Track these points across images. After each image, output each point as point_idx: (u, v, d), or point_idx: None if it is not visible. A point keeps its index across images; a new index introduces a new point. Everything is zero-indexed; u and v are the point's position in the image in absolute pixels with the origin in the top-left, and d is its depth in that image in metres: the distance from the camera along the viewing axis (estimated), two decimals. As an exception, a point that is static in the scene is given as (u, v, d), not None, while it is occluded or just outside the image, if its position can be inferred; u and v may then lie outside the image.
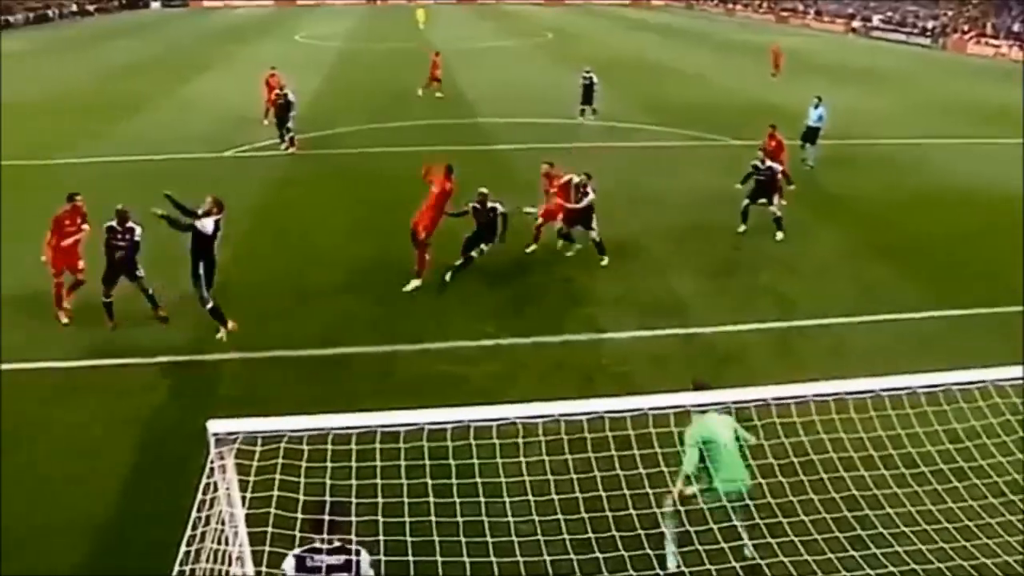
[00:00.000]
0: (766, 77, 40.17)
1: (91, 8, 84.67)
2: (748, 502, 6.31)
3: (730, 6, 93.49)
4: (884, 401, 5.70)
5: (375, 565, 5.18)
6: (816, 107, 22.75)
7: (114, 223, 12.37)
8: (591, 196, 15.37)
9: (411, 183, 20.82)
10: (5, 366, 11.24)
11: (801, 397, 5.48)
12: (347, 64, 45.20)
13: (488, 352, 12.13)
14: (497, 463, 5.46)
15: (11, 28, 68.77)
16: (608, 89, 29.93)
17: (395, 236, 16.91)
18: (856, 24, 71.94)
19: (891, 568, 5.58)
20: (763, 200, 16.94)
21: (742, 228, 17.02)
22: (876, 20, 71.25)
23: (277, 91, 24.97)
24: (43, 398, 10.62)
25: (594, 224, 15.60)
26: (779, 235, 16.68)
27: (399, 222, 17.83)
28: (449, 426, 4.82)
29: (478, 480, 5.37)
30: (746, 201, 17.03)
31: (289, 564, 5.11)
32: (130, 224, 12.38)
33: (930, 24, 65.01)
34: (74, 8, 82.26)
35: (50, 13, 77.38)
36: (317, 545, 5.10)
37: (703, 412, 6.57)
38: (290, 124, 24.48)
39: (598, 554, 5.23)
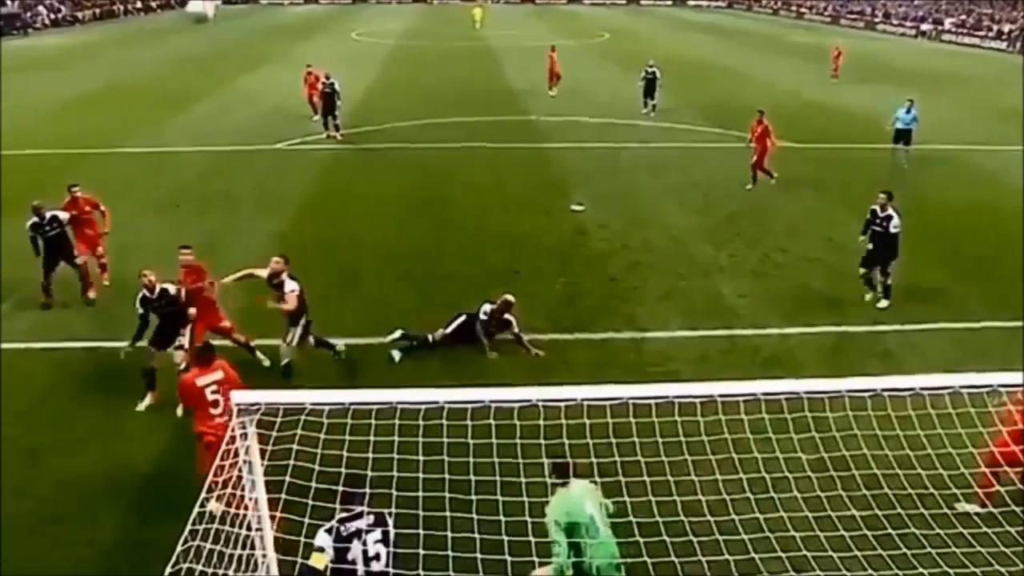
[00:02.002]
0: (827, 80, 39.46)
1: (154, 4, 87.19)
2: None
3: (792, 8, 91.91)
4: (924, 400, 5.55)
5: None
6: (908, 110, 22.56)
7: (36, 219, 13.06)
8: (293, 288, 10.90)
9: (460, 180, 21.23)
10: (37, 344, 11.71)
11: (836, 392, 5.37)
12: (401, 61, 45.71)
13: (530, 345, 12.15)
14: (516, 444, 5.47)
15: (80, 23, 71.25)
16: (664, 90, 29.80)
17: (439, 231, 17.21)
18: (926, 27, 70.11)
19: (920, 569, 5.44)
20: (880, 262, 13.55)
21: (869, 296, 13.79)
22: (948, 24, 69.31)
23: (323, 80, 25.58)
24: (77, 377, 11.06)
25: (303, 321, 11.14)
26: (883, 303, 13.56)
27: (445, 218, 18.16)
28: (469, 407, 4.87)
29: (495, 460, 5.40)
30: (862, 269, 13.80)
31: (324, 540, 5.45)
32: (52, 214, 13.23)
33: (1007, 28, 62.97)
34: (139, 4, 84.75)
35: (115, 9, 79.86)
36: (344, 516, 5.52)
37: (564, 486, 5.98)
38: (336, 113, 25.43)
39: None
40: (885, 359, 11.80)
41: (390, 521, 5.60)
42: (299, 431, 5.04)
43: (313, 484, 4.98)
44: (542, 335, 12.42)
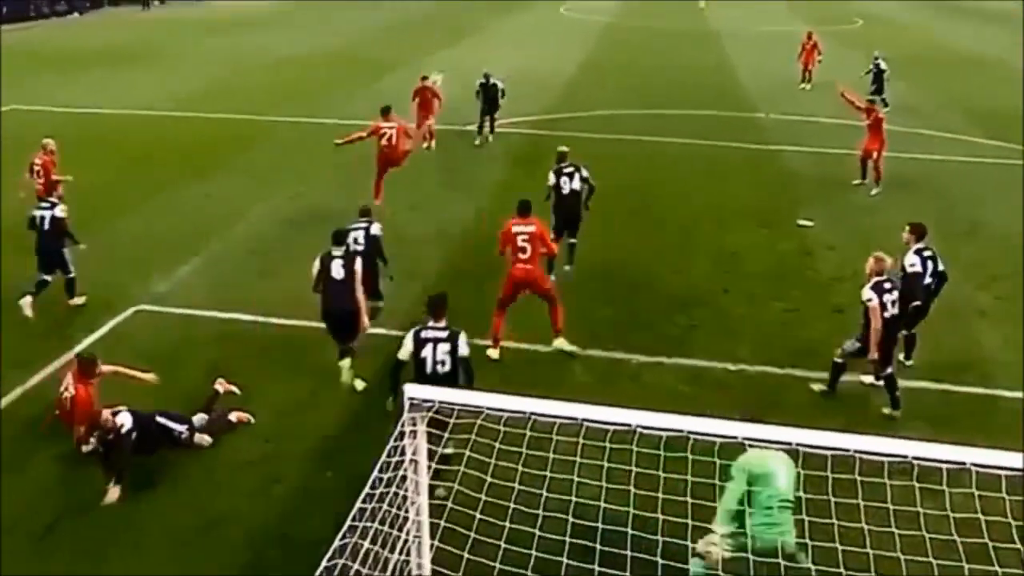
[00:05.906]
0: None
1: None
2: (781, 561, 5.68)
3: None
4: None
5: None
6: None
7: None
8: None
9: (670, 179, 20.96)
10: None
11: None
12: (614, 42, 45.88)
13: (735, 377, 11.95)
14: (714, 484, 5.29)
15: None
16: (918, 90, 28.12)
17: (642, 235, 17.06)
18: None
19: None
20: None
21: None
22: None
23: (480, 81, 24.07)
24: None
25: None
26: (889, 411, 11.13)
27: (649, 220, 17.97)
28: (664, 434, 4.77)
29: (688, 499, 5.25)
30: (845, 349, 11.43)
31: (409, 337, 8.49)
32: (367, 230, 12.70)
33: None
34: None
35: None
36: (430, 323, 8.51)
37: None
38: (496, 115, 24.10)
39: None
40: None
41: (463, 340, 8.35)
42: (473, 436, 5.14)
43: (482, 496, 5.05)
44: (748, 365, 12.08)
